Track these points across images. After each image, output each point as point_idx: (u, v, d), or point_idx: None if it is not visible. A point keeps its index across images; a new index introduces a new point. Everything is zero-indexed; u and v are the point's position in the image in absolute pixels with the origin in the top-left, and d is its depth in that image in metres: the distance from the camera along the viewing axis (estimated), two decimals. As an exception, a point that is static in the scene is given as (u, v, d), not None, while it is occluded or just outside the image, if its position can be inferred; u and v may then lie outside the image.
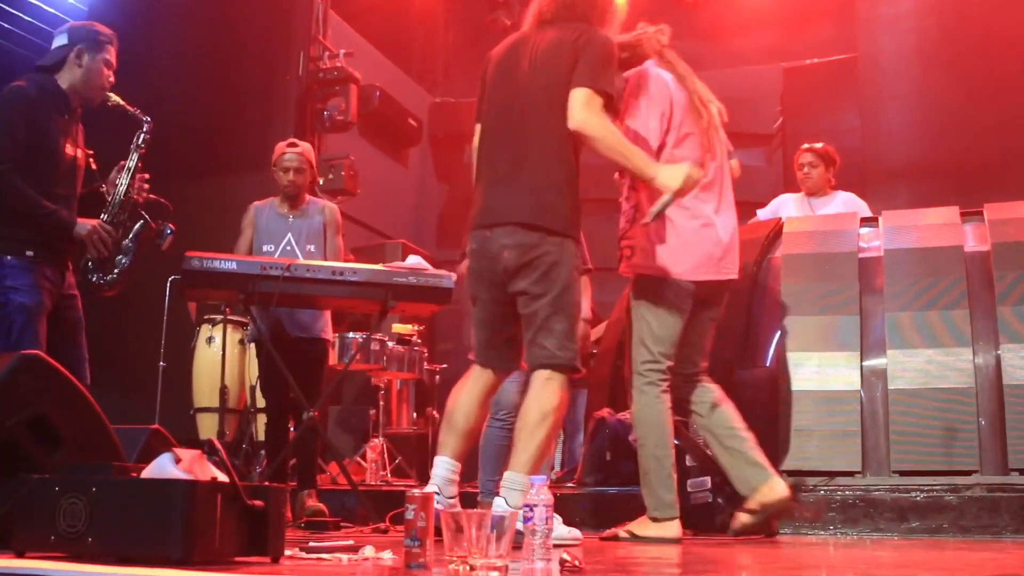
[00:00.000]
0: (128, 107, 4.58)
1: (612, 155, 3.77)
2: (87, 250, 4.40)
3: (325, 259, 5.44)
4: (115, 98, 4.55)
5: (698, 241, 4.35)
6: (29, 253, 4.26)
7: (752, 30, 10.66)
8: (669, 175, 3.81)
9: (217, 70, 8.85)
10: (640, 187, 4.32)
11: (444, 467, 3.87)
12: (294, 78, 8.83)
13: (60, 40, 4.52)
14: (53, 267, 4.34)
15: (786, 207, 6.57)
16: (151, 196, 4.64)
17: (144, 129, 4.61)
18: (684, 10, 10.05)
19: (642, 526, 4.26)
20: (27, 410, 2.96)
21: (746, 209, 7.69)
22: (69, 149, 4.44)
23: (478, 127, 4.04)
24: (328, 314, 5.65)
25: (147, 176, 4.64)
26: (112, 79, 4.55)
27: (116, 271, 4.50)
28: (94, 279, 4.47)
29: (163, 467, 2.55)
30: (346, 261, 5.57)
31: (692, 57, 10.65)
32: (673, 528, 4.18)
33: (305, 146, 5.73)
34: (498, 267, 3.79)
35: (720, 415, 4.43)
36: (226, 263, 4.77)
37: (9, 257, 4.24)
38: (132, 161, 4.60)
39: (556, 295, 3.71)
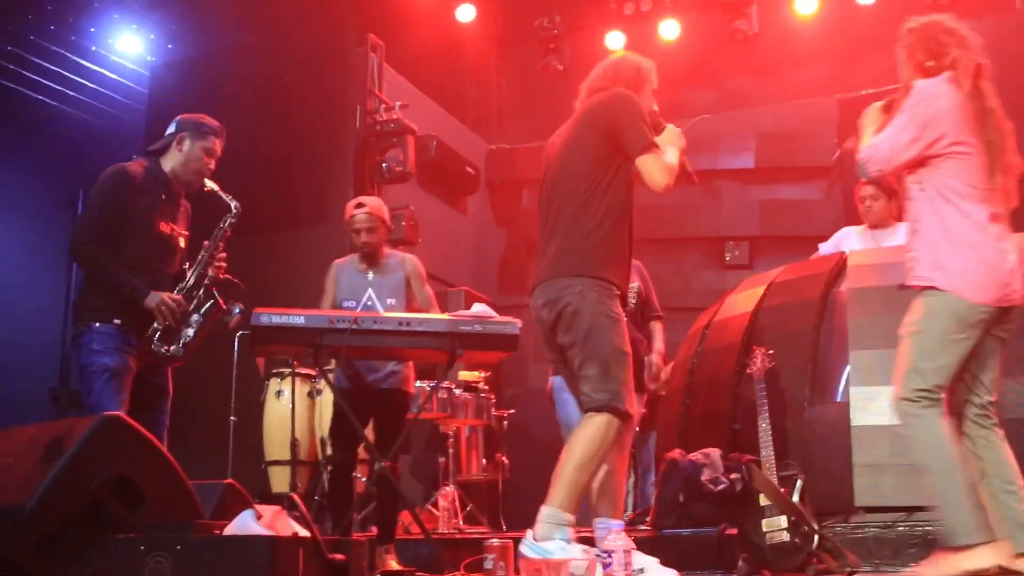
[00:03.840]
0: (222, 193, 4.87)
1: (674, 177, 4.12)
2: (155, 319, 4.58)
3: (409, 311, 5.53)
4: (210, 184, 4.86)
5: (997, 260, 3.88)
6: (116, 321, 4.52)
7: (807, 63, 10.61)
8: (670, 137, 4.31)
9: (276, 127, 9.02)
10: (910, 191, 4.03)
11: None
12: (352, 132, 8.96)
13: (170, 128, 4.90)
14: (142, 336, 4.58)
15: (849, 240, 6.51)
16: (227, 276, 4.89)
17: (232, 214, 4.88)
18: (739, 45, 10.08)
19: (950, 561, 3.74)
20: (109, 470, 3.03)
21: (807, 244, 7.67)
22: (164, 228, 4.73)
23: None
24: (411, 365, 5.70)
25: (225, 256, 4.88)
26: (211, 167, 4.88)
27: (180, 342, 4.67)
28: (157, 348, 4.62)
29: (245, 524, 2.60)
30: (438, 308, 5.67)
31: (748, 92, 10.69)
32: (987, 556, 3.67)
33: (374, 203, 5.81)
34: (545, 327, 4.10)
35: (1001, 465, 3.91)
36: (294, 318, 4.83)
37: (97, 324, 4.51)
38: (215, 241, 4.85)
39: (583, 341, 3.94)
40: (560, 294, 3.99)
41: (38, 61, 9.79)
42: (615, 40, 10.61)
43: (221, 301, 4.81)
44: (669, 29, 10.45)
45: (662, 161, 4.08)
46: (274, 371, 7.26)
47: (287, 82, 9.10)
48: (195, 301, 4.76)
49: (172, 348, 4.64)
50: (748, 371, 5.20)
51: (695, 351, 6.28)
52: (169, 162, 4.85)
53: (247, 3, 9.20)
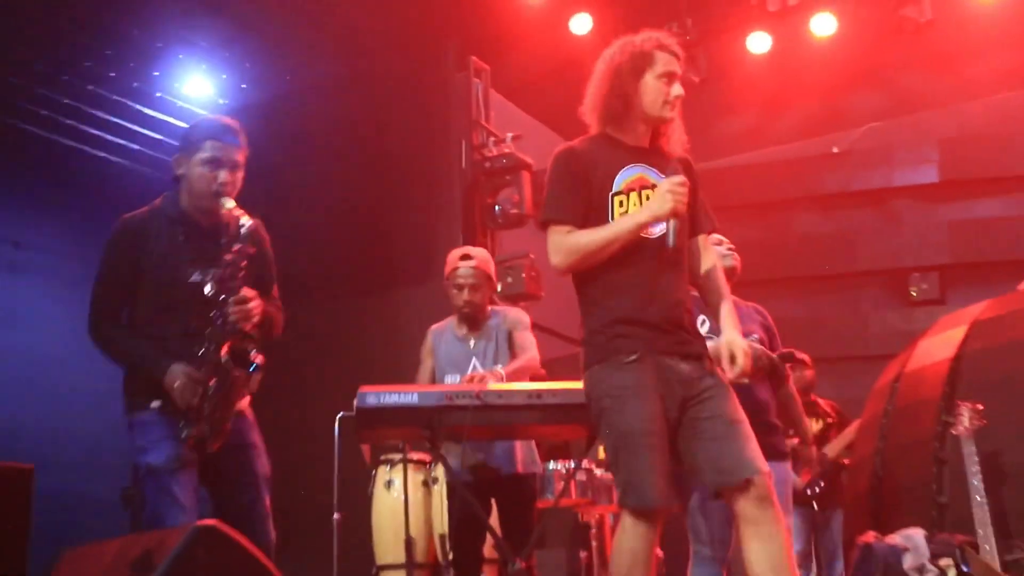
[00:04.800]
0: (237, 211, 4.32)
1: (593, 258, 4.02)
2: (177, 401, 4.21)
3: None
4: (229, 203, 4.32)
5: None
6: (155, 404, 4.24)
7: (992, 52, 10.41)
8: (656, 205, 3.96)
9: (370, 172, 9.15)
10: None
11: None
12: (458, 171, 9.03)
13: None
14: (194, 427, 4.21)
15: (1067, 263, 6.32)
16: (252, 329, 4.32)
17: (242, 235, 4.31)
18: (909, 37, 9.92)
19: None
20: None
21: (1010, 270, 7.48)
22: (194, 276, 4.30)
23: None
24: (533, 442, 5.67)
25: (252, 295, 4.30)
26: (225, 178, 4.33)
27: (204, 423, 4.19)
28: (183, 435, 4.18)
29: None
30: (538, 362, 5.62)
31: (924, 92, 10.52)
32: None
33: (481, 255, 5.82)
34: None
35: None
36: (405, 396, 4.82)
37: (136, 414, 4.28)
38: (232, 283, 4.28)
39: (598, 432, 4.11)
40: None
41: (98, 113, 10.09)
42: (759, 42, 10.53)
43: (235, 371, 4.24)
44: (823, 24, 10.31)
45: (558, 239, 4.06)
46: (382, 458, 7.27)
47: (379, 119, 9.22)
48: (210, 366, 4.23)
49: (199, 429, 4.17)
50: (953, 431, 5.07)
51: (884, 409, 6.14)
52: (183, 196, 4.39)
53: (328, 33, 9.37)
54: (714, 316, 4.27)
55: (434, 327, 5.84)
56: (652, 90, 4.11)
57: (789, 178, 10.76)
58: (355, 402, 4.87)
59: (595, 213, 4.06)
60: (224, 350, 4.21)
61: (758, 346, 5.30)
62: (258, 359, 4.30)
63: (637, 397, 3.91)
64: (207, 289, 4.27)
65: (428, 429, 4.83)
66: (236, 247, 4.28)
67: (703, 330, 5.24)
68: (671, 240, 3.96)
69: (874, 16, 10.25)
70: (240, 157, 4.41)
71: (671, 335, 4.04)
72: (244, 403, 4.45)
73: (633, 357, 3.96)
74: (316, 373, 8.32)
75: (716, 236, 5.13)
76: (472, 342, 5.71)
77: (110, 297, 4.36)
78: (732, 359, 4.01)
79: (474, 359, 5.65)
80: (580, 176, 4.08)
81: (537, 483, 5.74)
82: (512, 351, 5.70)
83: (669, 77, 4.13)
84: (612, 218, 4.06)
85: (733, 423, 3.95)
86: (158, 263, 4.31)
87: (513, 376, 5.40)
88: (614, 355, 4.00)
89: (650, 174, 4.13)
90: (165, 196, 4.44)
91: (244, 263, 4.30)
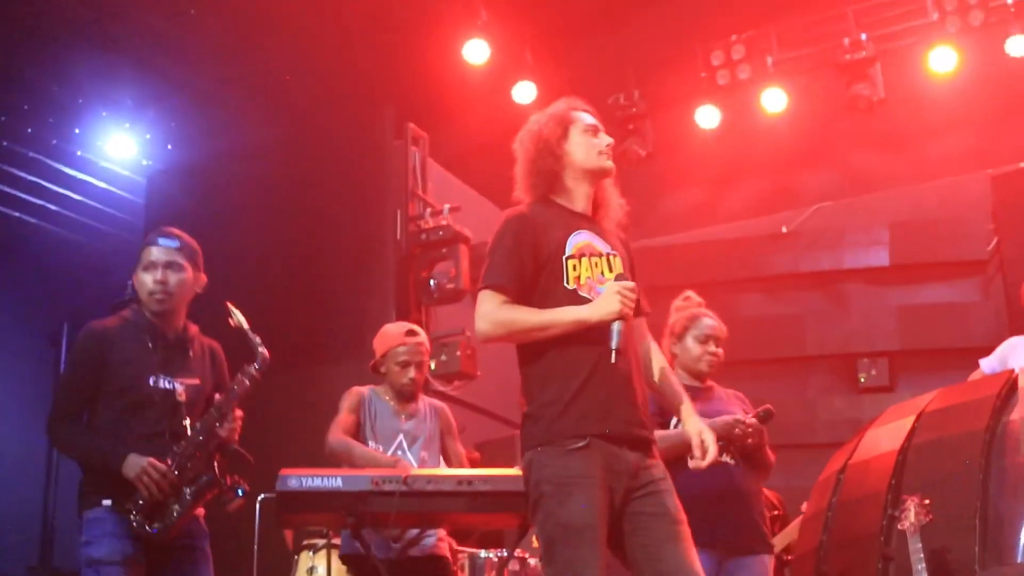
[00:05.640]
0: (249, 332, 4.70)
1: (522, 337, 4.08)
2: (138, 491, 4.47)
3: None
4: (238, 317, 4.70)
5: None
6: (106, 503, 4.48)
7: (947, 132, 10.59)
8: (602, 306, 3.97)
9: (300, 240, 9.14)
10: None
11: None
12: (392, 243, 9.03)
13: None
14: (148, 518, 4.49)
15: (1018, 354, 6.40)
16: (238, 446, 4.74)
17: (257, 364, 4.68)
18: (861, 114, 10.10)
19: None
20: None
21: (961, 359, 7.56)
22: (155, 381, 4.64)
23: None
24: None
25: (241, 416, 4.73)
26: (161, 277, 4.68)
27: (164, 522, 4.50)
28: (139, 526, 4.46)
29: None
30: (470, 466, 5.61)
31: (876, 171, 10.65)
32: None
33: (423, 332, 5.84)
34: None
35: None
36: (330, 480, 4.81)
37: (87, 512, 4.51)
38: (230, 398, 4.67)
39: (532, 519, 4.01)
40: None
41: (13, 171, 10.01)
42: (708, 116, 10.71)
43: (222, 478, 4.61)
44: (774, 99, 10.51)
45: (490, 307, 4.05)
46: (305, 543, 7.21)
47: (311, 186, 9.22)
48: (193, 470, 4.59)
49: (155, 525, 4.48)
50: (899, 526, 5.09)
51: (829, 502, 6.14)
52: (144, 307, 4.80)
53: (260, 94, 9.40)
54: (676, 414, 4.31)
55: (361, 388, 5.77)
56: (581, 144, 4.18)
57: (736, 257, 10.80)
58: (276, 485, 4.85)
59: (548, 275, 4.07)
60: (216, 463, 4.59)
61: (740, 416, 5.36)
62: (245, 485, 4.66)
63: (582, 488, 3.86)
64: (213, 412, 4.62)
65: (352, 515, 4.82)
66: (252, 371, 4.65)
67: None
68: (615, 342, 3.95)
69: (826, 93, 10.44)
70: (179, 258, 4.75)
71: (620, 417, 4.03)
72: (200, 511, 4.72)
73: (581, 443, 3.92)
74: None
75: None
76: (403, 418, 5.68)
77: (72, 398, 4.65)
78: (703, 447, 4.06)
79: (401, 436, 5.62)
80: (528, 243, 4.07)
81: (452, 568, 5.70)
82: (446, 457, 5.72)
83: (594, 129, 4.22)
84: (567, 281, 4.06)
85: (676, 523, 3.94)
86: (123, 367, 4.62)
87: None
88: (559, 438, 3.94)
89: (596, 242, 4.16)
90: (132, 308, 4.79)
91: (249, 387, 4.67)
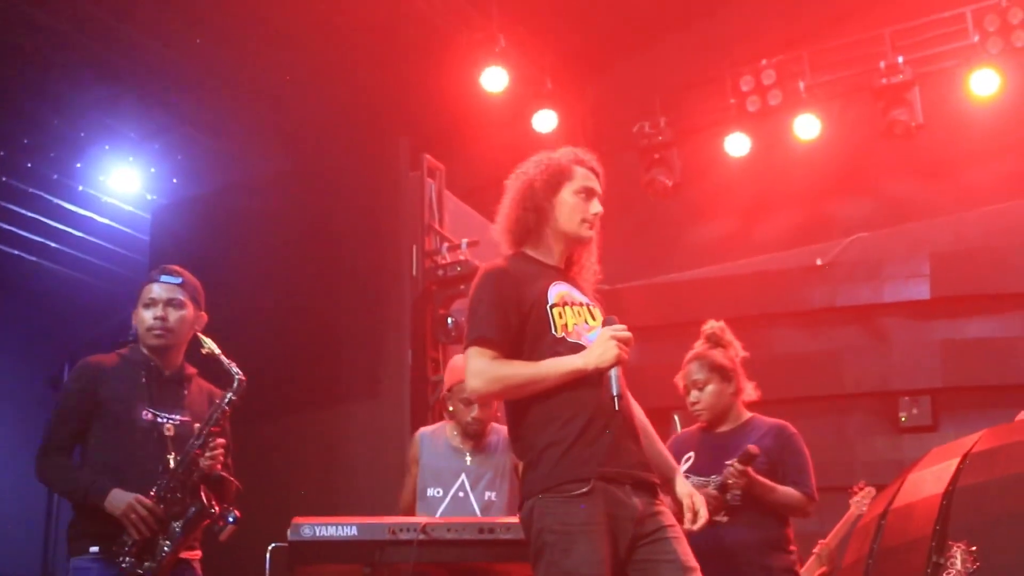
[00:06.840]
0: (222, 357, 4.86)
1: (516, 392, 4.09)
2: (126, 530, 4.59)
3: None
4: (208, 344, 4.86)
5: None
6: (93, 550, 4.61)
7: (989, 158, 10.55)
8: (598, 354, 4.02)
9: (311, 278, 9.12)
10: None
11: None
12: (408, 280, 9.02)
13: None
14: (137, 559, 4.59)
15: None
16: (222, 472, 4.86)
17: (234, 388, 4.84)
18: (899, 141, 10.06)
19: None
20: None
21: (1008, 396, 7.53)
22: (144, 415, 4.81)
23: None
24: None
25: (223, 444, 4.86)
26: (162, 313, 4.89)
27: (154, 560, 4.62)
28: (124, 564, 4.58)
29: None
30: None
31: (915, 200, 10.60)
32: None
33: None
34: None
35: None
36: (344, 528, 4.80)
37: (74, 559, 4.64)
38: (207, 425, 4.82)
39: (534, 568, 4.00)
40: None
41: (13, 207, 10.05)
42: (738, 144, 10.67)
43: (212, 507, 4.73)
44: (807, 126, 10.47)
45: (481, 363, 4.06)
46: (318, 595, 7.21)
47: (324, 221, 9.22)
48: (179, 503, 4.71)
49: (147, 565, 4.60)
50: (945, 574, 5.07)
51: (870, 549, 6.12)
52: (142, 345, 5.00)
53: (270, 125, 9.42)
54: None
55: (424, 430, 5.80)
56: (568, 206, 4.24)
57: (769, 292, 10.75)
58: (288, 534, 4.86)
59: (534, 325, 4.11)
60: (203, 493, 4.71)
61: (728, 471, 5.34)
62: (236, 511, 4.81)
63: (586, 537, 3.89)
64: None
65: (368, 566, 4.81)
66: (229, 397, 4.83)
67: (684, 467, 5.31)
68: (615, 389, 3.98)
69: (862, 118, 10.41)
70: (181, 295, 4.96)
71: (624, 460, 4.06)
72: (195, 555, 4.90)
73: (584, 488, 3.95)
74: (247, 497, 8.20)
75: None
76: (468, 458, 5.69)
77: (62, 431, 4.82)
78: (693, 509, 4.14)
79: (463, 476, 5.62)
80: (511, 298, 4.12)
81: None
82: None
83: (588, 193, 4.27)
84: (554, 329, 4.10)
85: (686, 571, 3.96)
86: (112, 402, 4.80)
87: None
88: (561, 483, 3.97)
89: (574, 293, 4.24)
90: (131, 346, 5.01)
91: (228, 412, 4.87)
